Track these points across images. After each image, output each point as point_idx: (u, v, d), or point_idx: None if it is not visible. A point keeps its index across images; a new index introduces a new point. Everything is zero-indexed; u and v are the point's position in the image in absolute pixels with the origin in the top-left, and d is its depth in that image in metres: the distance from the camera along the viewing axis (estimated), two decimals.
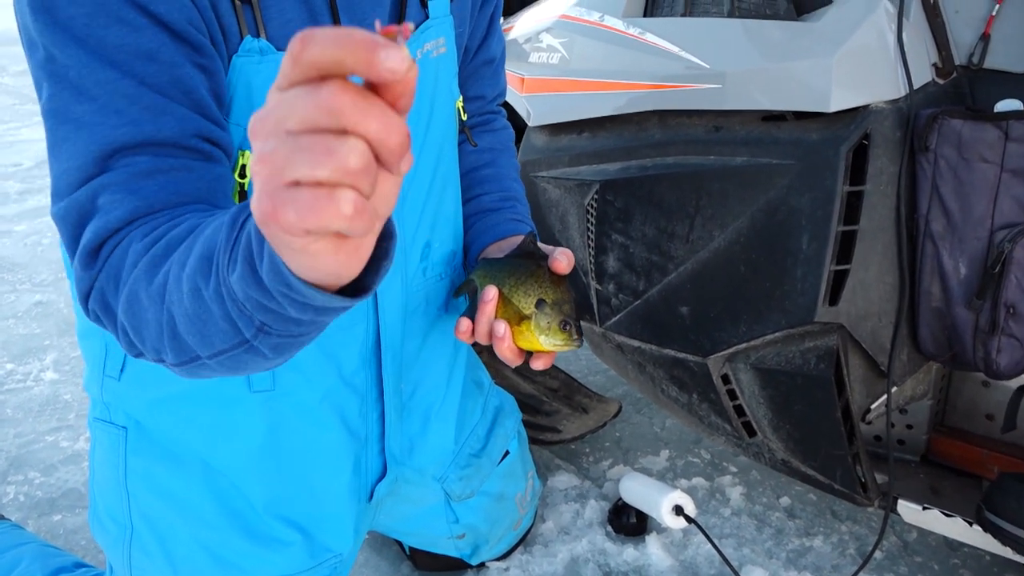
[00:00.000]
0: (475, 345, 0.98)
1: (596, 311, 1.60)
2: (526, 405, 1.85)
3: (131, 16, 0.71)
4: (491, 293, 0.85)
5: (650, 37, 1.48)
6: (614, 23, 1.55)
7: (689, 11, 1.48)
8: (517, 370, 2.02)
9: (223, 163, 0.79)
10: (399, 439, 1.20)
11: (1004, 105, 1.19)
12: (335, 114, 0.37)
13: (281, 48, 0.81)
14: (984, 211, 1.17)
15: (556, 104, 1.64)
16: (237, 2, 0.78)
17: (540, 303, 0.82)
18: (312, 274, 0.48)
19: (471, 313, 0.91)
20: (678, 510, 1.53)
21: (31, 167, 4.07)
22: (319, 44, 0.36)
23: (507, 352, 0.86)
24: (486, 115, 1.18)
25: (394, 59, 0.36)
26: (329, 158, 0.38)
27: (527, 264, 0.87)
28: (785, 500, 1.71)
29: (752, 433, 1.46)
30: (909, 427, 1.49)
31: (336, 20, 0.83)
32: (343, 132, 0.38)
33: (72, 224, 0.73)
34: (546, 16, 1.75)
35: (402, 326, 1.07)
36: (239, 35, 0.80)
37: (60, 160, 0.74)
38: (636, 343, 1.56)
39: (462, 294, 0.99)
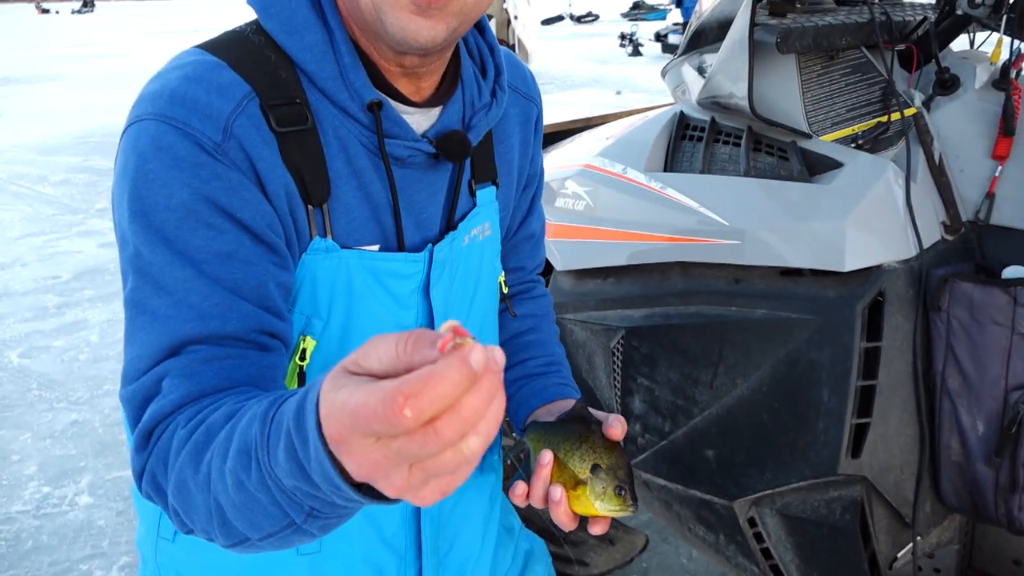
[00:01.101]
0: None
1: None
2: (551, 534, 1.87)
3: (218, 221, 0.79)
4: (547, 457, 0.86)
5: (671, 192, 1.57)
6: (636, 176, 1.65)
7: (708, 168, 1.58)
8: None
9: (278, 352, 0.86)
10: None
11: (1011, 272, 1.25)
12: (449, 442, 0.43)
13: (345, 245, 0.89)
14: (998, 372, 1.22)
15: (582, 250, 1.72)
16: (310, 207, 0.86)
17: (595, 468, 0.83)
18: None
19: (526, 476, 0.93)
20: None
21: (69, 279, 4.22)
22: (428, 399, 0.42)
23: (563, 516, 0.85)
24: (526, 284, 1.25)
25: (480, 360, 0.43)
26: (464, 465, 0.44)
27: (580, 429, 0.88)
28: None
29: None
30: (937, 571, 1.50)
31: (397, 217, 0.91)
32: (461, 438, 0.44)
33: (136, 407, 0.80)
34: (571, 162, 1.86)
35: None
36: (309, 235, 0.88)
37: (134, 347, 0.81)
38: (662, 482, 1.59)
39: (515, 455, 1.00)
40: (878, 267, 1.34)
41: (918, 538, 1.36)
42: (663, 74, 2.05)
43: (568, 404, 1.01)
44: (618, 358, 1.62)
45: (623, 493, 0.82)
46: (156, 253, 0.78)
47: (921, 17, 1.62)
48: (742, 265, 1.47)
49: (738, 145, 1.55)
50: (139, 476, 0.78)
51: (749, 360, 1.43)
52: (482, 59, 1.01)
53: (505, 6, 8.18)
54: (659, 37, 16.01)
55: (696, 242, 1.51)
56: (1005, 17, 1.43)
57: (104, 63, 17.72)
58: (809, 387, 1.35)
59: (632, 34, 17.00)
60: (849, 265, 1.33)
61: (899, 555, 1.39)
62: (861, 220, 1.34)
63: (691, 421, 1.51)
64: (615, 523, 1.95)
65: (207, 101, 0.78)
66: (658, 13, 25.70)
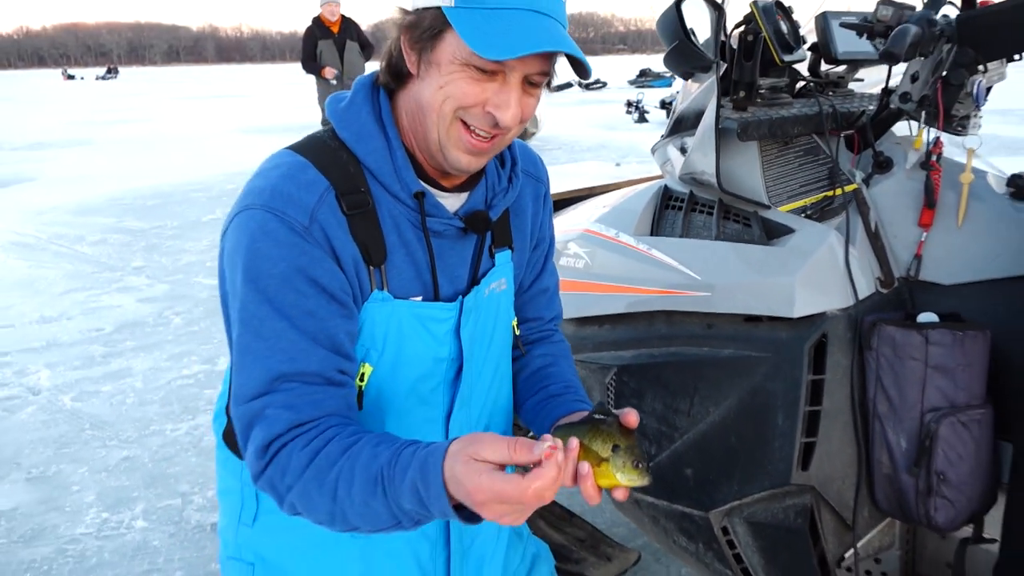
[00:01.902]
0: None
1: None
2: (557, 554, 2.13)
3: (305, 287, 1.06)
4: (574, 442, 0.98)
5: (656, 252, 1.88)
6: (627, 239, 1.96)
7: (686, 232, 1.89)
8: (549, 522, 2.31)
9: (348, 386, 1.12)
10: None
11: (924, 317, 1.55)
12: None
13: (397, 296, 1.17)
14: (916, 398, 1.50)
15: (582, 301, 2.02)
16: (371, 268, 1.15)
17: (615, 448, 0.95)
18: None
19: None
20: None
21: (111, 331, 4.53)
22: (545, 488, 0.83)
23: (590, 489, 0.97)
24: (545, 331, 1.48)
25: (560, 461, 0.83)
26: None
27: (599, 421, 1.00)
28: None
29: None
30: (884, 575, 1.76)
31: (435, 276, 1.19)
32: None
33: (244, 424, 1.07)
34: (573, 227, 2.17)
35: None
36: (370, 289, 1.16)
37: (241, 377, 1.08)
38: (650, 499, 1.86)
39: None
40: (822, 314, 1.63)
41: (860, 542, 1.62)
42: (652, 151, 2.38)
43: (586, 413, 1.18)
44: (611, 392, 1.91)
45: (640, 466, 0.96)
46: (259, 308, 1.04)
47: (863, 109, 1.95)
48: (713, 313, 1.76)
49: (711, 214, 1.86)
50: (256, 477, 1.04)
51: (719, 392, 1.71)
52: (501, 152, 1.31)
53: None
54: (664, 104, 16.48)
55: (676, 294, 1.81)
56: (924, 112, 1.75)
57: (130, 128, 18.35)
58: (767, 413, 1.63)
59: (638, 101, 17.44)
60: (798, 312, 1.62)
61: (845, 555, 1.66)
62: (808, 276, 1.64)
63: (673, 444, 1.79)
64: (610, 541, 2.21)
65: (298, 195, 1.04)
66: (664, 80, 26.37)
